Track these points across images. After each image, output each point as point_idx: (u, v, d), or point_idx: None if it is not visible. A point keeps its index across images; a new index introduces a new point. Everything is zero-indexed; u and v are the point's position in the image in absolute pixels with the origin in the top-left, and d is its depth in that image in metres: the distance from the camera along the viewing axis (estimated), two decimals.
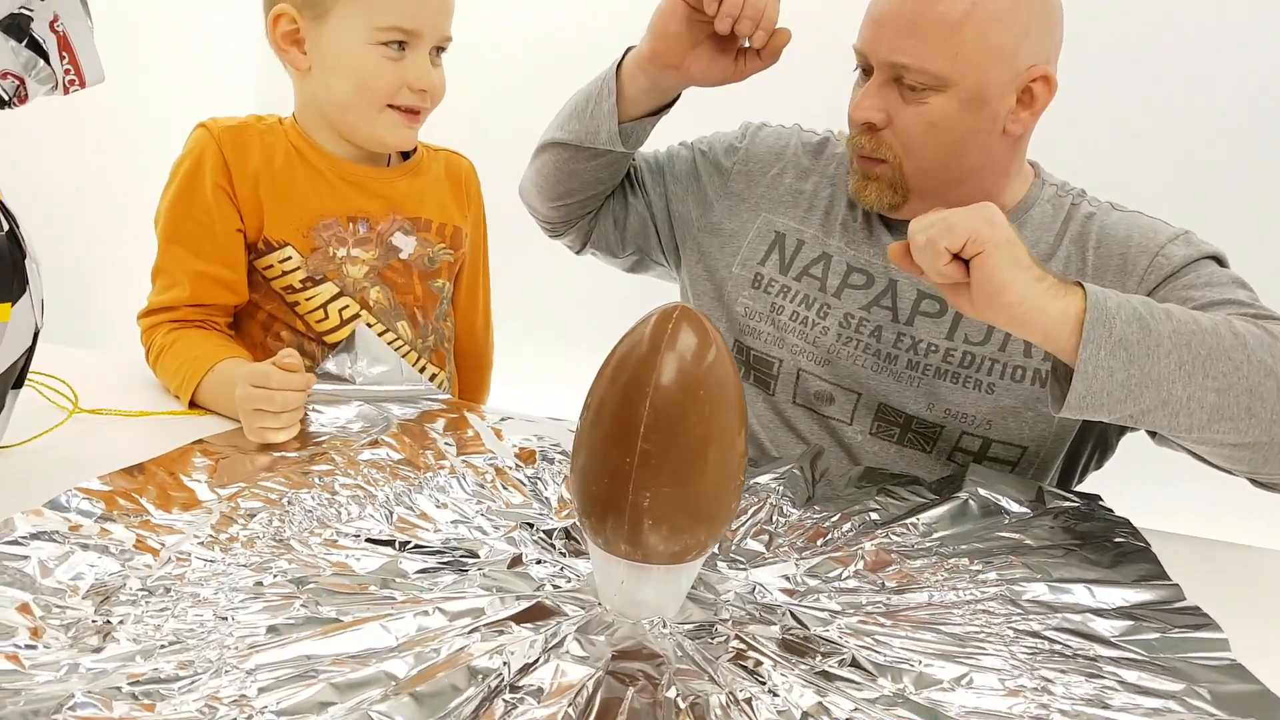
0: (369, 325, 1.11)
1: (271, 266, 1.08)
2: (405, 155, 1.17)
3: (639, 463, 0.58)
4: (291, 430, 0.86)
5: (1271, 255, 1.81)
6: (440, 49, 1.09)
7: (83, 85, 0.76)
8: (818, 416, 1.06)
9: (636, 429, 0.58)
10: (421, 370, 1.16)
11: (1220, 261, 0.99)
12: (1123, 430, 1.05)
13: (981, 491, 0.89)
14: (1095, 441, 1.08)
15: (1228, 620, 0.69)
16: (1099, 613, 0.69)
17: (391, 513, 0.74)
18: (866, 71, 0.99)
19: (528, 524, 0.73)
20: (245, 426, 0.87)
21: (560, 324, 1.91)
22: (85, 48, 0.75)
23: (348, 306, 1.11)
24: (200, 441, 0.85)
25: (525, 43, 2.26)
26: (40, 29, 0.71)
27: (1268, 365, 0.80)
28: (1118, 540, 0.82)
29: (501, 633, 0.58)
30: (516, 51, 2.26)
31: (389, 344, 1.11)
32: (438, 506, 0.76)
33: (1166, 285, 0.96)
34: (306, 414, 0.91)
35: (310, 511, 0.72)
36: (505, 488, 0.81)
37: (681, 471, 0.58)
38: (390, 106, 1.06)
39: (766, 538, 0.77)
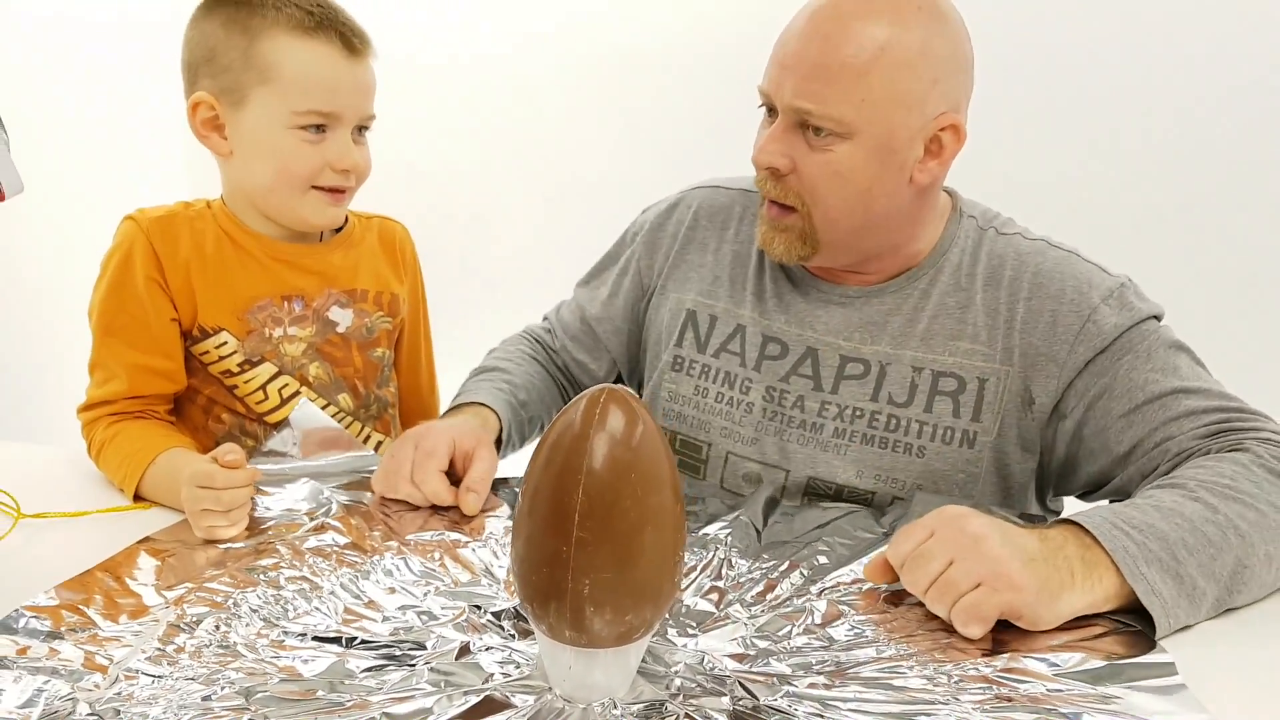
0: (312, 400, 1.11)
1: (208, 352, 1.08)
2: (338, 228, 1.17)
3: (576, 550, 0.58)
4: (239, 526, 0.86)
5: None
6: (363, 127, 1.09)
7: (2, 199, 0.76)
8: (786, 505, 1.03)
9: (571, 517, 0.58)
10: (366, 439, 1.16)
11: (1158, 317, 0.97)
12: (1090, 490, 1.02)
13: None
14: (1041, 505, 1.07)
15: (1180, 648, 0.71)
16: (1039, 652, 0.71)
17: (338, 605, 0.74)
18: (771, 111, 0.97)
19: (476, 606, 0.74)
20: (193, 525, 0.86)
21: None
22: (3, 163, 0.75)
23: (287, 385, 1.11)
24: (147, 540, 0.85)
25: (460, 86, 2.27)
26: None
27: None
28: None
29: None
30: (448, 94, 2.27)
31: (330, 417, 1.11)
32: (386, 591, 0.77)
33: (1101, 360, 0.94)
34: (253, 502, 0.91)
35: (256, 610, 0.72)
36: (453, 564, 0.81)
37: (619, 556, 0.59)
38: (314, 187, 1.06)
39: (716, 596, 0.78)
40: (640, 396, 1.15)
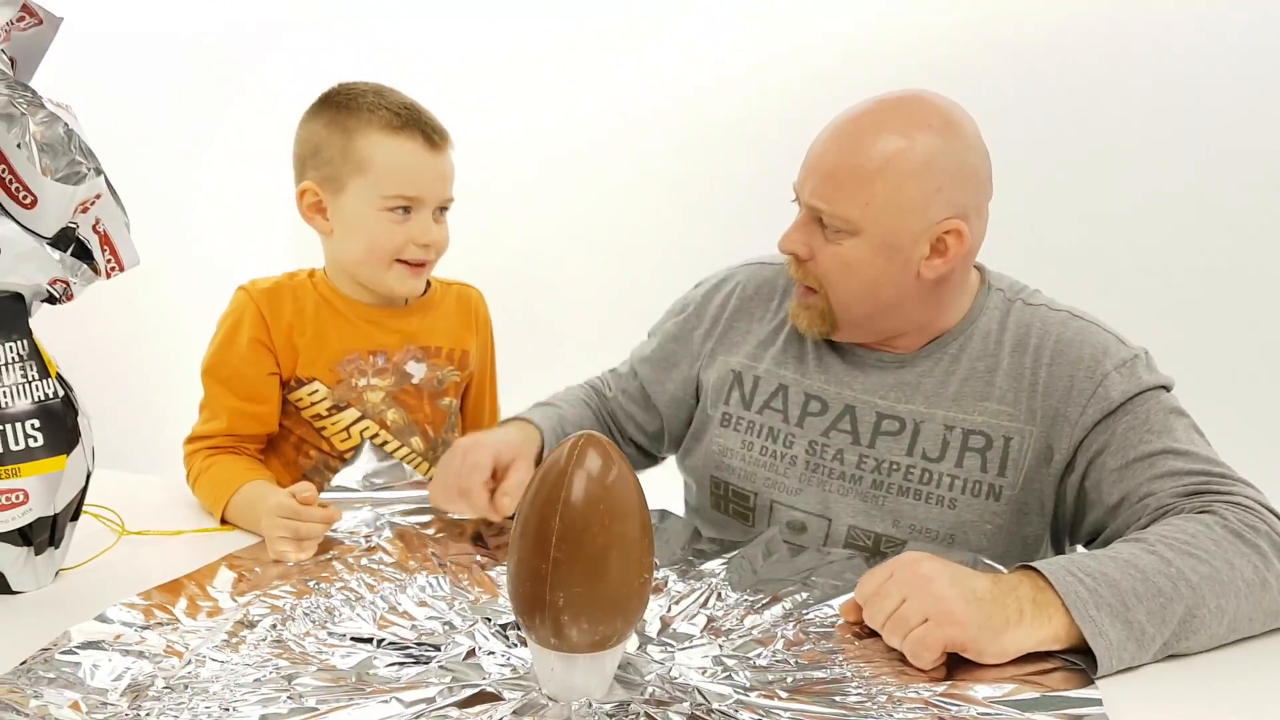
0: (385, 443, 1.28)
1: (301, 399, 1.26)
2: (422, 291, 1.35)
3: (553, 567, 0.70)
4: (308, 553, 1.01)
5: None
6: (443, 208, 1.27)
7: (122, 269, 0.93)
8: (792, 546, 1.12)
9: (549, 538, 0.70)
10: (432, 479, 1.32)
11: (1166, 388, 1.03)
12: (1090, 539, 1.08)
13: None
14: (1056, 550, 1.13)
15: (1121, 687, 0.79)
16: (986, 681, 0.79)
17: (376, 613, 0.88)
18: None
19: (487, 618, 0.86)
20: (269, 548, 1.02)
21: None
22: (122, 240, 0.92)
23: (368, 428, 1.28)
24: (229, 556, 1.00)
25: (532, 164, 2.48)
26: (85, 232, 0.89)
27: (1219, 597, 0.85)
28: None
29: (445, 717, 0.71)
30: (522, 172, 2.47)
31: (403, 457, 1.29)
32: (417, 604, 0.90)
33: (1105, 425, 1.02)
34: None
35: (308, 614, 0.87)
36: (477, 585, 0.94)
37: (588, 573, 0.71)
38: (398, 261, 1.24)
39: (703, 620, 0.89)
40: (688, 455, 1.29)
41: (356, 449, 1.24)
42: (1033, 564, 0.87)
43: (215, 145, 2.35)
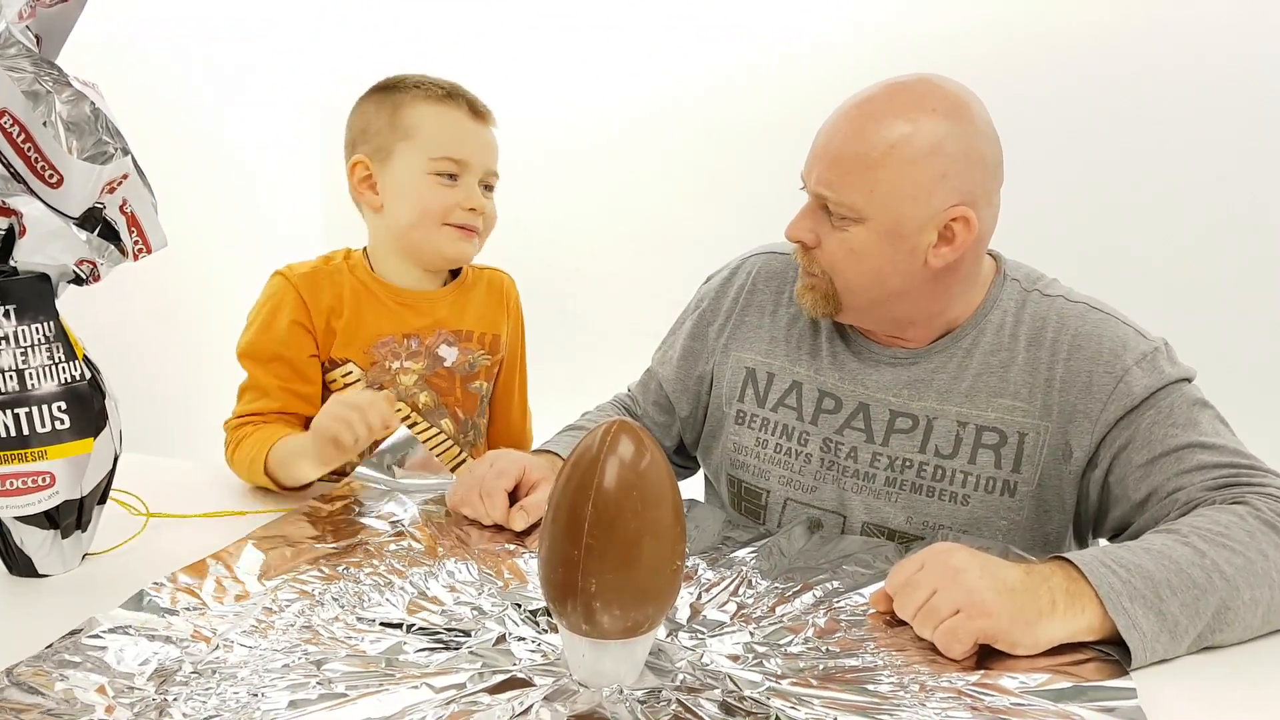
0: (416, 424, 1.29)
1: (335, 380, 1.27)
2: (454, 275, 1.37)
3: (585, 554, 0.70)
4: (361, 445, 1.06)
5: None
6: (489, 186, 1.29)
7: (150, 252, 0.92)
8: (822, 535, 1.11)
9: (582, 525, 0.70)
10: (462, 462, 1.33)
11: (1189, 380, 1.02)
12: (1115, 535, 1.07)
13: None
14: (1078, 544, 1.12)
15: (1152, 681, 0.77)
16: (1020, 671, 0.78)
17: (406, 598, 0.87)
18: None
19: (517, 604, 0.85)
20: (321, 436, 1.06)
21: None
22: (150, 221, 0.91)
23: (400, 409, 1.28)
24: (256, 534, 1.00)
25: (567, 156, 2.47)
26: (112, 213, 0.88)
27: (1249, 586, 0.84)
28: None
29: (476, 703, 0.70)
30: (557, 164, 2.47)
31: (433, 438, 1.30)
32: (447, 589, 0.89)
33: (1127, 421, 1.00)
34: (352, 504, 1.06)
35: (337, 599, 0.86)
36: (507, 571, 0.94)
37: (621, 559, 0.70)
38: (447, 225, 1.26)
39: (733, 608, 0.88)
40: (708, 453, 1.28)
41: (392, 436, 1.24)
42: (1065, 555, 0.85)
43: (245, 129, 2.34)
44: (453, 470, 1.32)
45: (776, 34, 2.24)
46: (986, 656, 0.80)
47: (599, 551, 0.70)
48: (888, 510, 1.10)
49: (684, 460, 1.35)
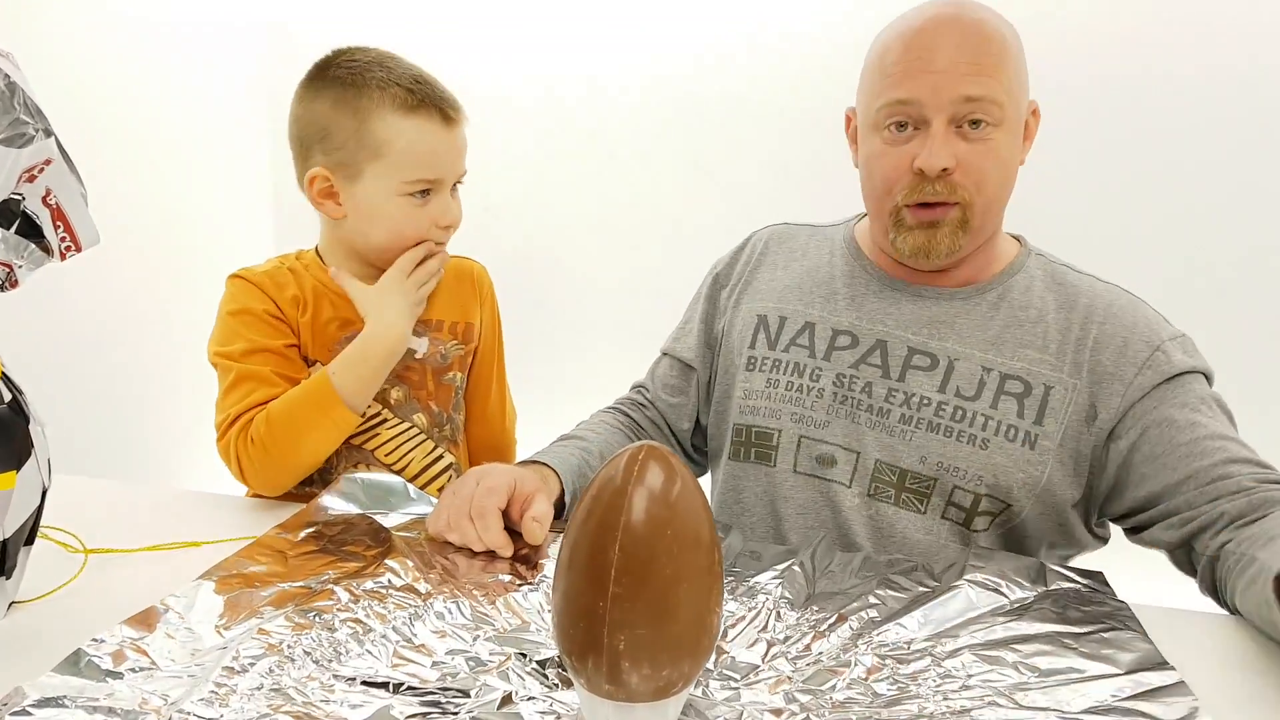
0: (387, 420, 1.20)
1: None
2: None
3: (612, 606, 0.59)
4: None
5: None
6: (457, 183, 1.20)
7: (79, 249, 0.79)
8: (819, 481, 1.08)
9: (608, 572, 0.59)
10: (438, 458, 1.24)
11: (1208, 379, 1.03)
12: (1127, 514, 1.04)
13: (980, 577, 0.89)
14: (1088, 530, 1.09)
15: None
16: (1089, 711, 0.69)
17: (389, 648, 0.75)
18: (902, 126, 1.01)
19: (522, 654, 0.74)
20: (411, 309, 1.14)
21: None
22: (79, 215, 0.78)
23: (369, 407, 1.19)
24: (213, 572, 0.87)
25: (540, 138, 2.33)
26: (33, 205, 0.75)
27: None
28: (1116, 628, 0.81)
29: None
30: (529, 146, 2.33)
31: (406, 434, 1.21)
32: (436, 635, 0.78)
33: (1164, 389, 1.00)
34: (321, 532, 0.94)
35: (309, 653, 0.74)
36: (505, 609, 0.82)
37: (655, 612, 0.59)
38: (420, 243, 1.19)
39: (763, 647, 0.78)
40: (721, 418, 1.21)
41: (367, 435, 1.18)
42: None
43: (186, 110, 2.17)
44: (423, 482, 1.21)
45: (765, 16, 2.14)
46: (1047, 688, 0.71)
47: (628, 603, 0.59)
48: (901, 448, 1.05)
49: (696, 456, 1.31)
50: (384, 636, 0.77)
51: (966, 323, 1.07)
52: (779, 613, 0.83)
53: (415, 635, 0.78)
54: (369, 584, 0.86)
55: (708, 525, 0.62)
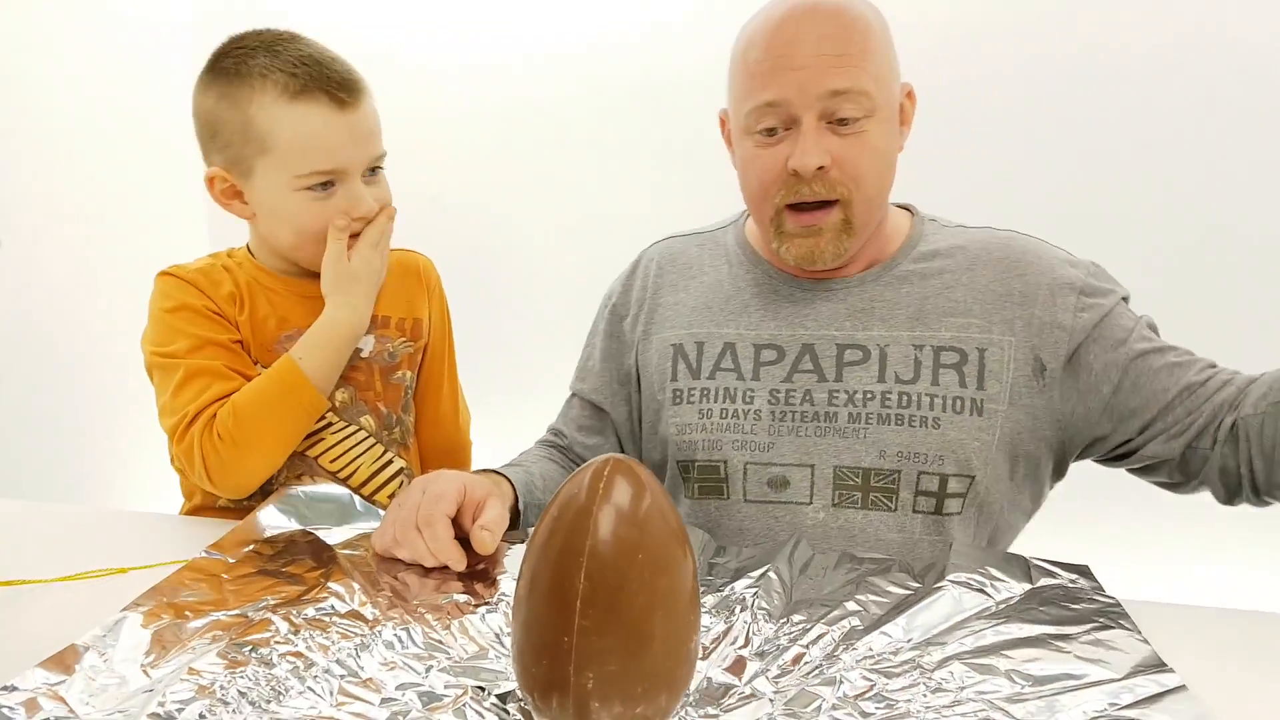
0: (332, 424, 1.13)
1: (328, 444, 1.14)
2: None
3: (578, 639, 0.53)
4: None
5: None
6: (374, 168, 1.11)
7: None
8: (774, 506, 1.03)
9: (573, 603, 0.53)
10: (388, 463, 1.17)
11: (1126, 299, 1.03)
12: (1081, 454, 1.06)
13: (964, 577, 0.85)
14: (1054, 469, 1.09)
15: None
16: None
17: (333, 684, 0.69)
18: (772, 130, 0.98)
19: (480, 687, 0.68)
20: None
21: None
22: None
23: None
24: (135, 604, 0.80)
25: (486, 120, 2.24)
26: None
27: None
28: (1109, 626, 0.77)
29: None
30: (474, 129, 2.24)
31: (353, 439, 1.15)
32: (385, 667, 0.71)
33: (1104, 326, 1.00)
34: (257, 553, 0.87)
35: (245, 693, 0.67)
36: (460, 634, 0.76)
37: (627, 645, 0.54)
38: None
39: (742, 666, 0.72)
40: (648, 455, 1.14)
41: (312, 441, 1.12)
42: None
43: (106, 96, 2.05)
44: (372, 489, 1.14)
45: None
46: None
47: (597, 636, 0.53)
48: (859, 448, 1.01)
49: None
50: (327, 671, 0.70)
51: (884, 306, 1.04)
52: (757, 623, 0.78)
53: (362, 668, 0.71)
54: (311, 611, 0.79)
55: (682, 543, 0.56)
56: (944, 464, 1.00)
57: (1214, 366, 1.00)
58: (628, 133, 2.14)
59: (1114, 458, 1.05)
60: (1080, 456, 1.07)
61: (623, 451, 1.16)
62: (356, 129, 1.07)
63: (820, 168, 0.96)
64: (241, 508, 1.09)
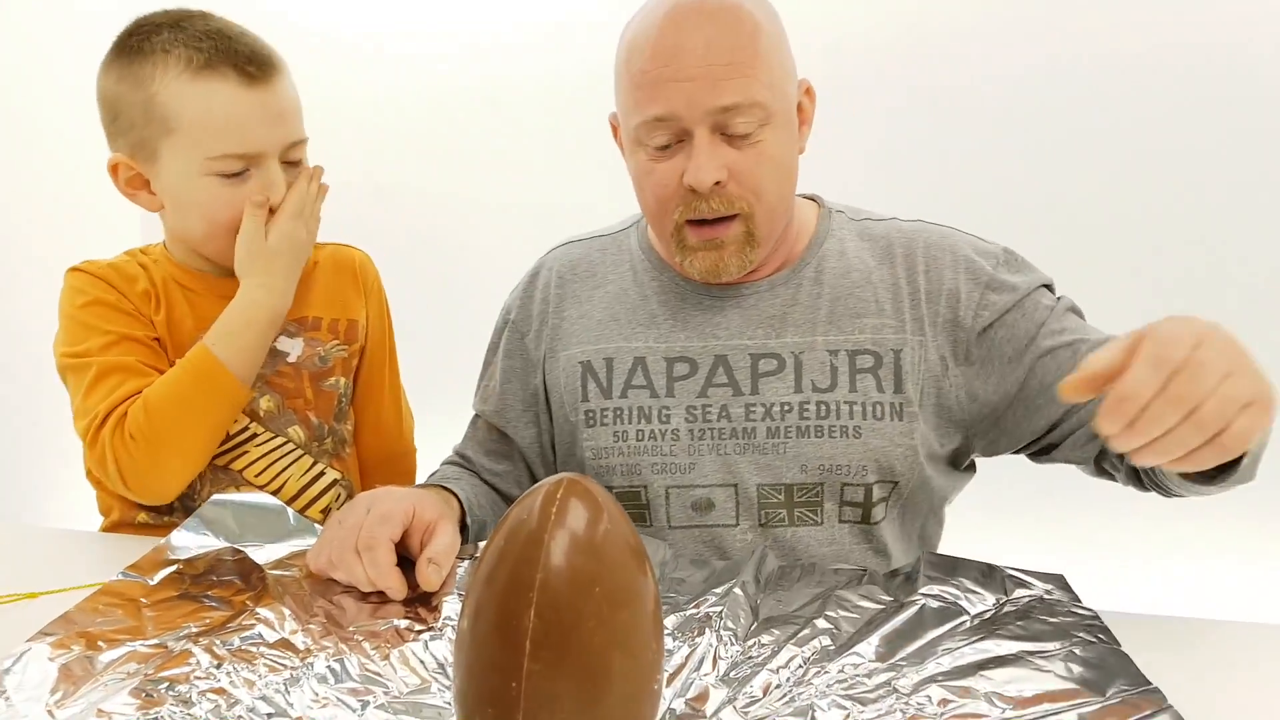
0: (255, 436, 1.06)
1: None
2: None
3: (528, 685, 0.47)
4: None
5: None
6: (293, 162, 1.04)
7: None
8: (701, 530, 0.98)
9: (521, 644, 0.47)
10: (319, 475, 1.10)
11: (1049, 286, 0.99)
12: (995, 448, 1.03)
13: (936, 590, 0.81)
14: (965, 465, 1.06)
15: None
16: None
17: None
18: (665, 147, 0.92)
19: None
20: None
21: None
22: None
23: (236, 422, 1.05)
24: (43, 633, 0.73)
25: (430, 105, 2.15)
26: None
27: None
28: (1088, 642, 0.74)
29: None
30: (419, 111, 2.15)
31: (280, 450, 1.07)
32: (317, 705, 0.65)
33: (1013, 317, 0.95)
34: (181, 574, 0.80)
35: None
36: (400, 665, 0.70)
37: (582, 690, 0.48)
38: None
39: (708, 695, 0.67)
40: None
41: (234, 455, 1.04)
42: None
43: (43, 110, 1.94)
44: (302, 504, 1.07)
45: None
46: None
47: (548, 680, 0.48)
48: (779, 464, 0.97)
49: None
50: (252, 710, 0.64)
51: (797, 310, 0.99)
52: (725, 644, 0.73)
53: (291, 706, 0.65)
54: (236, 641, 0.72)
55: (644, 570, 0.51)
56: (867, 474, 0.96)
57: None
58: (582, 118, 2.07)
59: (1034, 453, 1.02)
60: (996, 452, 1.03)
61: (532, 477, 1.11)
62: (268, 107, 0.99)
63: (717, 183, 0.90)
64: (164, 524, 1.02)
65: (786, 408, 0.97)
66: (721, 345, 0.99)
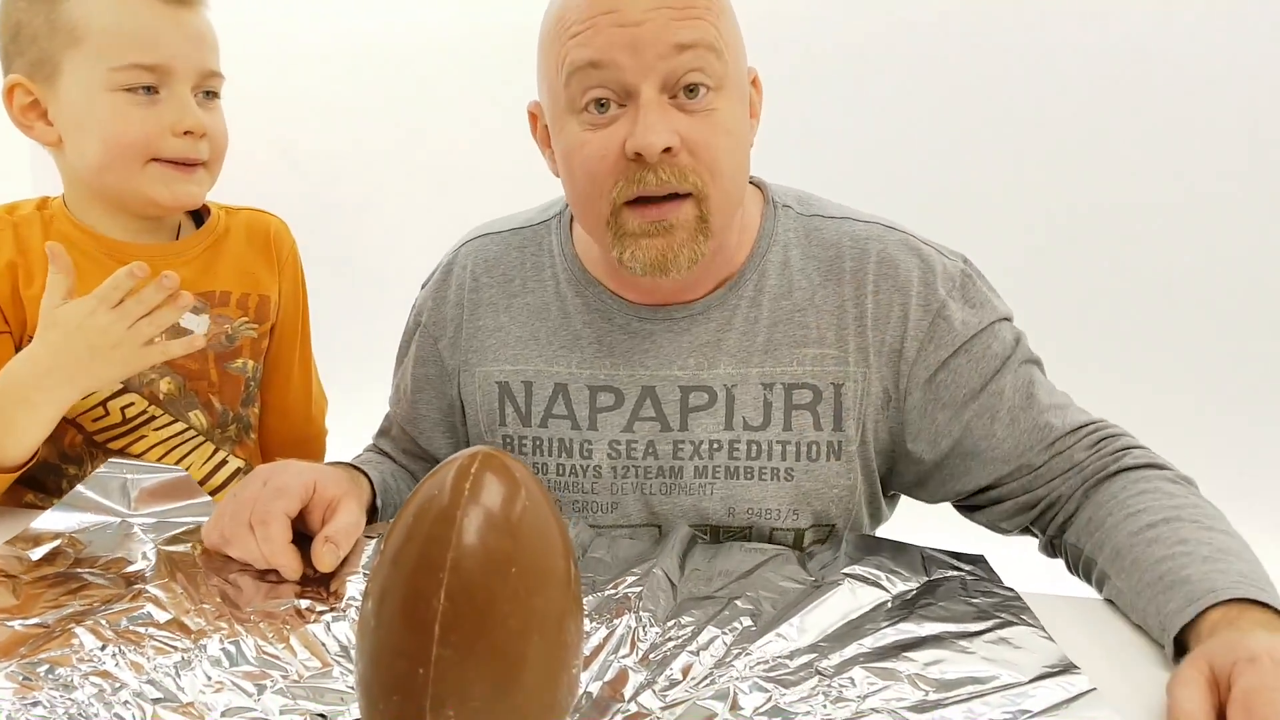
0: (154, 419, 0.99)
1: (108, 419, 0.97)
2: (197, 224, 1.05)
3: (436, 672, 0.44)
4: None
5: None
6: (211, 92, 0.96)
7: None
8: (705, 545, 0.92)
9: (430, 628, 0.44)
10: (222, 463, 1.03)
11: (1008, 320, 0.91)
12: (959, 499, 0.96)
13: (858, 570, 0.79)
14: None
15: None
16: None
17: (145, 710, 0.58)
18: (603, 104, 0.80)
19: (320, 715, 0.58)
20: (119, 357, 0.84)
21: None
22: None
23: (132, 404, 0.97)
24: None
25: (345, 62, 2.07)
26: None
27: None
28: (1011, 622, 0.73)
29: None
30: (332, 71, 2.07)
31: (180, 436, 1.00)
32: (212, 689, 0.61)
33: (956, 363, 0.88)
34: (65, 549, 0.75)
35: None
36: (300, 647, 0.66)
37: (495, 677, 0.45)
38: (155, 161, 0.93)
39: (626, 678, 0.65)
40: None
41: (133, 438, 0.95)
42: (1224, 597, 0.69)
43: None
44: (212, 487, 1.02)
45: None
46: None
47: (458, 666, 0.44)
48: (706, 505, 0.91)
49: None
50: (139, 695, 0.60)
51: (731, 337, 0.90)
52: (644, 627, 0.70)
53: (182, 690, 0.61)
54: (124, 621, 0.68)
55: (564, 552, 0.48)
56: (799, 518, 0.91)
57: (1073, 432, 0.88)
58: (507, 81, 2.01)
59: (958, 508, 0.97)
60: (915, 497, 0.98)
61: None
62: (190, 27, 0.93)
63: (667, 149, 0.78)
64: (50, 497, 0.95)
65: (716, 445, 0.90)
66: (650, 375, 0.91)
